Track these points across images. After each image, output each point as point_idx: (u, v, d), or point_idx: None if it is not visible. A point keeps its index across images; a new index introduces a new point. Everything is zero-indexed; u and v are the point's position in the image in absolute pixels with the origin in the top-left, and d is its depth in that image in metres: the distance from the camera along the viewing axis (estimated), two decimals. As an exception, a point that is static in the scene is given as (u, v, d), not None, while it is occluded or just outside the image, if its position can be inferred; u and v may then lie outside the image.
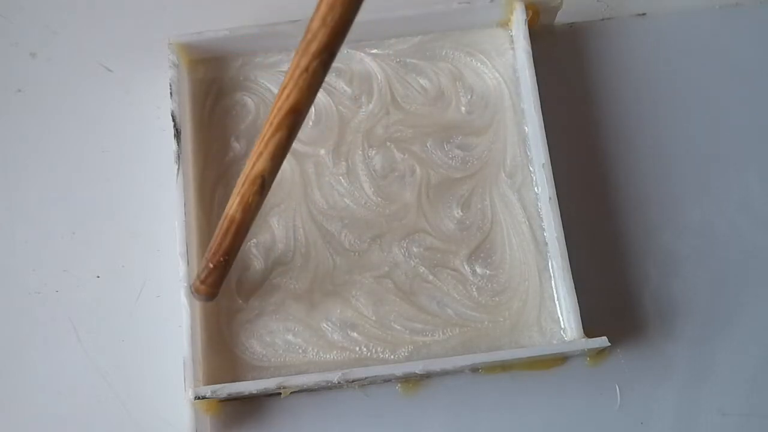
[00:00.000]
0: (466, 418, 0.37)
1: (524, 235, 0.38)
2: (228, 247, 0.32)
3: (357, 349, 0.37)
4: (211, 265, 0.33)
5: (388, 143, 0.40)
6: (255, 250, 0.38)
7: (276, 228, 0.38)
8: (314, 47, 0.23)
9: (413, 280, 0.38)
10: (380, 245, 0.38)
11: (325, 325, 0.37)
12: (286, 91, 0.25)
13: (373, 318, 0.37)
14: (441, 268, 0.38)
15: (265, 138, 0.27)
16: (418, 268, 0.38)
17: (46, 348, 0.38)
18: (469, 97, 0.41)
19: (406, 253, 0.38)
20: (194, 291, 0.35)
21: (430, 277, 0.38)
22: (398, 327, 0.37)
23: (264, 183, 0.29)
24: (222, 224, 0.32)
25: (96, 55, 0.43)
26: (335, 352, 0.37)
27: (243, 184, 0.30)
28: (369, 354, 0.37)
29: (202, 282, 0.34)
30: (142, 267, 0.39)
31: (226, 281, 0.37)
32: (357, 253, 0.38)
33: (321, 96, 0.40)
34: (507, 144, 0.40)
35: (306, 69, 0.24)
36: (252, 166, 0.29)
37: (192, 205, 0.38)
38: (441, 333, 0.37)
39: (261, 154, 0.28)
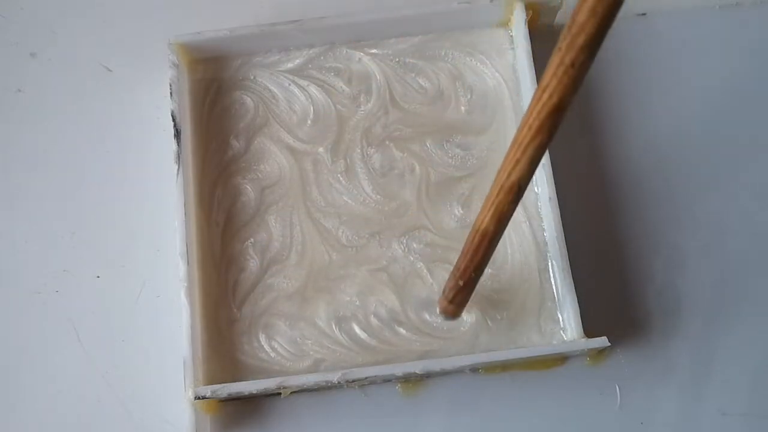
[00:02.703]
0: (466, 418, 0.37)
1: (524, 234, 0.38)
2: (479, 261, 0.30)
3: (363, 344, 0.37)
4: (461, 283, 0.32)
5: (387, 142, 0.40)
6: (252, 250, 0.38)
7: (273, 227, 0.39)
8: (581, 40, 0.22)
9: (409, 276, 0.38)
10: (379, 241, 0.38)
11: (322, 322, 0.37)
12: (548, 91, 0.24)
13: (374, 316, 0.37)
14: (441, 263, 0.38)
15: (524, 144, 0.25)
16: (416, 264, 0.38)
17: (46, 348, 0.38)
18: (468, 96, 0.41)
19: (406, 249, 0.38)
20: (441, 311, 0.34)
21: (430, 276, 0.38)
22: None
23: (520, 191, 0.27)
24: (472, 239, 0.30)
25: (96, 55, 0.43)
26: (334, 347, 0.37)
27: (497, 194, 0.27)
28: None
29: (451, 301, 0.33)
30: (142, 267, 0.39)
31: (224, 285, 0.38)
32: (354, 249, 0.38)
33: (319, 95, 0.40)
34: (507, 144, 0.40)
35: (572, 64, 0.22)
36: (507, 175, 0.26)
37: (192, 205, 0.38)
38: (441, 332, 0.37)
39: (518, 161, 0.26)
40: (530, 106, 0.24)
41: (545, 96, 0.24)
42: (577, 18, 0.22)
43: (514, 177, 0.26)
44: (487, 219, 0.29)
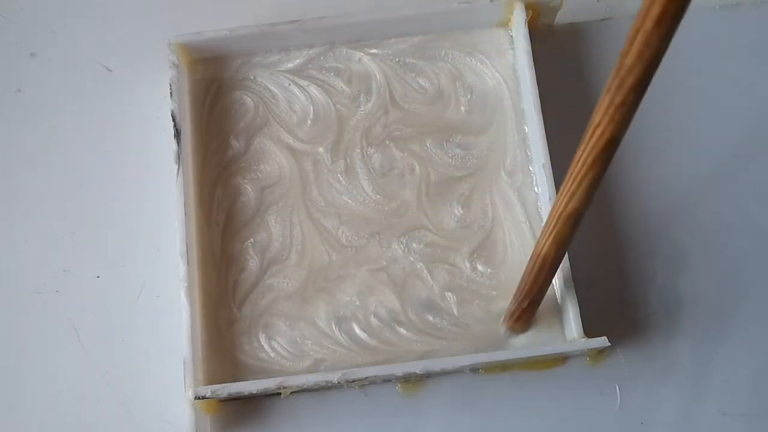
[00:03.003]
0: (466, 418, 0.36)
1: (524, 235, 0.38)
2: (541, 284, 0.33)
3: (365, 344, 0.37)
4: (526, 304, 0.34)
5: (387, 142, 0.40)
6: (251, 250, 0.38)
7: (273, 227, 0.39)
8: (630, 82, 0.23)
9: (409, 276, 0.38)
10: (379, 241, 0.38)
11: (322, 322, 0.37)
12: (600, 129, 0.25)
13: (374, 316, 0.37)
14: (441, 264, 0.38)
15: (579, 177, 0.27)
16: (416, 264, 0.38)
17: (46, 348, 0.38)
18: (468, 96, 0.41)
19: (406, 249, 0.38)
20: (509, 329, 0.36)
21: (430, 277, 0.38)
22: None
23: (579, 218, 0.29)
24: (534, 264, 0.32)
25: (96, 55, 0.43)
26: (334, 347, 0.37)
27: (556, 224, 0.29)
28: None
29: (516, 320, 0.36)
30: (142, 267, 0.39)
31: (224, 285, 0.38)
32: (354, 249, 0.38)
33: (319, 95, 0.40)
34: (507, 144, 0.40)
35: (622, 104, 0.24)
36: (565, 205, 0.28)
37: (192, 205, 0.38)
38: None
39: (575, 193, 0.28)
40: (583, 141, 0.26)
41: (597, 133, 0.25)
42: (625, 61, 0.23)
43: (572, 207, 0.28)
44: (547, 245, 0.31)
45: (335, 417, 0.37)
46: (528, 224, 0.38)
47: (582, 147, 0.26)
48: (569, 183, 0.28)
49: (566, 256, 0.36)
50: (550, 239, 0.30)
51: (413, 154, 0.40)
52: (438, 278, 0.38)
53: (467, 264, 0.38)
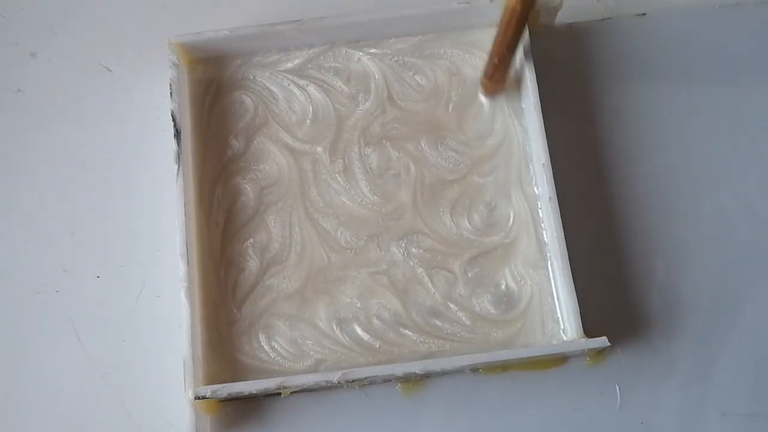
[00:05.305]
0: (466, 418, 0.36)
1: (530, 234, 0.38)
2: (510, 38, 0.35)
3: (372, 345, 0.37)
4: (497, 60, 0.37)
5: (384, 141, 0.40)
6: (251, 250, 0.38)
7: (272, 227, 0.39)
8: None
9: (410, 281, 0.38)
10: (378, 243, 0.38)
11: (322, 323, 0.37)
12: None
13: (375, 317, 0.37)
14: (439, 269, 0.38)
15: None
16: (416, 269, 0.38)
17: (46, 348, 0.38)
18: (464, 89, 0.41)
19: (405, 253, 0.38)
20: (483, 89, 0.39)
21: (425, 279, 0.38)
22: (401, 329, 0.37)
23: None
24: (503, 19, 0.35)
25: (96, 55, 0.43)
26: (335, 348, 0.37)
27: None
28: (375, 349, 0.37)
29: (490, 78, 0.38)
30: (142, 267, 0.39)
31: (224, 285, 0.38)
32: (353, 251, 0.38)
33: (318, 94, 0.40)
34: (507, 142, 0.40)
35: None
36: None
37: (192, 205, 0.38)
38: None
39: None
40: None
41: None
42: None
43: None
44: None
45: (335, 417, 0.37)
46: (531, 223, 0.38)
47: None
48: None
49: (566, 256, 0.36)
50: None
51: (408, 153, 0.39)
52: (438, 286, 0.38)
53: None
